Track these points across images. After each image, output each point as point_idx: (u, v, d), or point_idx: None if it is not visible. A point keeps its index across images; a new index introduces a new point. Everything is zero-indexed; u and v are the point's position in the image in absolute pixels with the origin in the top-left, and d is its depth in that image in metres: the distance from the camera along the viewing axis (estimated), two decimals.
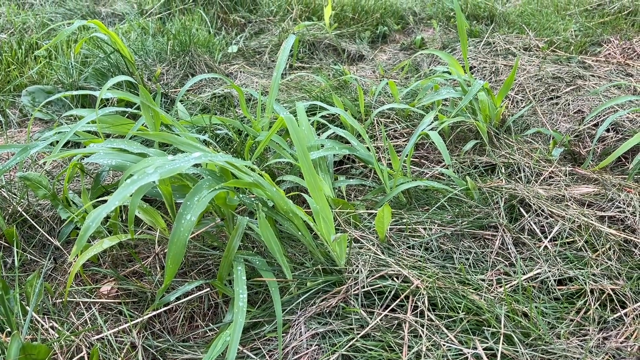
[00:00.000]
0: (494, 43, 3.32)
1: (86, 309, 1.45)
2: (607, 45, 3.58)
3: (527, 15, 4.14)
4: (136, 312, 1.46)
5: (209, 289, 1.49)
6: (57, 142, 1.62)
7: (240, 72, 3.10)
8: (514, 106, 2.71)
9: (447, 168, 1.88)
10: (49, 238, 1.72)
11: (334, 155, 2.06)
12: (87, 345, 1.29)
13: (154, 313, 1.43)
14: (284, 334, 1.33)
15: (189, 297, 1.46)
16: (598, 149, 2.33)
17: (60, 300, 1.46)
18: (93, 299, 1.48)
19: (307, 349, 1.31)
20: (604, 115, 2.48)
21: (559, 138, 2.29)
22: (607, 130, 2.43)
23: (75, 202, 1.75)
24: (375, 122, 2.36)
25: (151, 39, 3.00)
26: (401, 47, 3.60)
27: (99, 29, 2.30)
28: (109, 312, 1.45)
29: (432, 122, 2.13)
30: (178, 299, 1.46)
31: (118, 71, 2.54)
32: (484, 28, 3.81)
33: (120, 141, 1.40)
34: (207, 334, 1.43)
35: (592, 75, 2.98)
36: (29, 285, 1.40)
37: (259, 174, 1.35)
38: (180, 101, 2.58)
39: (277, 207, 1.38)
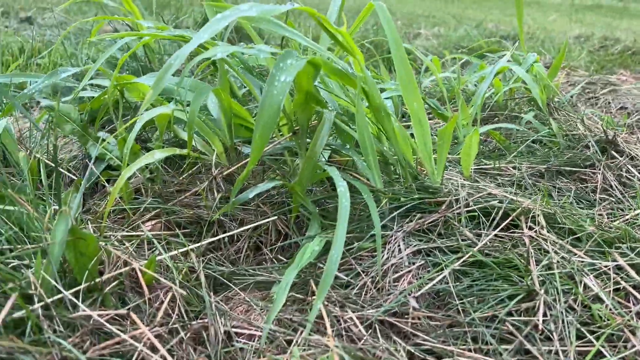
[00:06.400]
0: None
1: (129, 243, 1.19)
2: None
3: None
4: (190, 243, 1.20)
5: (275, 217, 1.25)
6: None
7: None
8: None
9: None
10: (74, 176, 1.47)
11: None
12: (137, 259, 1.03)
13: (214, 239, 1.18)
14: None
15: (255, 225, 1.22)
16: None
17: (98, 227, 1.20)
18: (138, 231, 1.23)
19: (410, 266, 1.07)
20: None
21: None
22: None
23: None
24: None
25: None
26: None
27: None
28: (158, 244, 1.18)
29: (490, 88, 1.98)
30: (256, 197, 1.23)
31: None
32: None
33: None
34: (276, 266, 1.18)
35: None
36: (64, 202, 1.15)
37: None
38: None
39: (370, 100, 1.17)
